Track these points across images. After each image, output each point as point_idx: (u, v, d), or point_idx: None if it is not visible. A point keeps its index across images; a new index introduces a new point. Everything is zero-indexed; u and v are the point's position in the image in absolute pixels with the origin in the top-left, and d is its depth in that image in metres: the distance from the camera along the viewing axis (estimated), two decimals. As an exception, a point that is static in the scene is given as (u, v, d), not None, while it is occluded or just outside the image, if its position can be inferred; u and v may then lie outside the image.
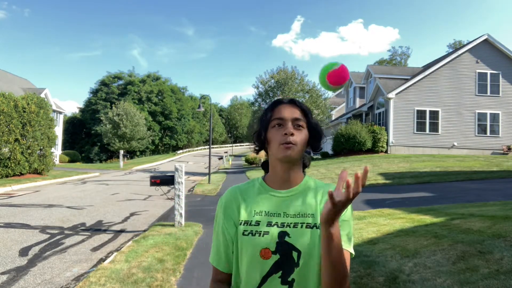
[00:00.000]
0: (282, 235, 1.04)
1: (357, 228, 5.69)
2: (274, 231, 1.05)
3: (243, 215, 1.09)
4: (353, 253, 1.05)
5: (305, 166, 1.18)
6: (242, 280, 1.07)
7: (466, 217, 5.47)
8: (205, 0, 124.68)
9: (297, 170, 1.11)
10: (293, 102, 1.13)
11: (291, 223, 1.05)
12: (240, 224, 1.09)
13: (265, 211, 1.08)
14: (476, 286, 2.90)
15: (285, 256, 1.03)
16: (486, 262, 3.31)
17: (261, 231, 1.05)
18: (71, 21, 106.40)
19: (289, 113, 1.09)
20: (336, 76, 1.06)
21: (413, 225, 5.44)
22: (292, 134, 1.05)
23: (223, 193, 1.21)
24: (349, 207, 1.05)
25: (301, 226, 1.04)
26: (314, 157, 27.84)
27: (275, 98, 1.06)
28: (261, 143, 1.14)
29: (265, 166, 1.18)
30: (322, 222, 0.89)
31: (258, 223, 1.07)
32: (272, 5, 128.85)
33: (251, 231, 1.06)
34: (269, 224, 1.06)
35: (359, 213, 6.92)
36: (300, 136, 1.07)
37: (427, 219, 5.80)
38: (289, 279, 1.02)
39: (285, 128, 1.06)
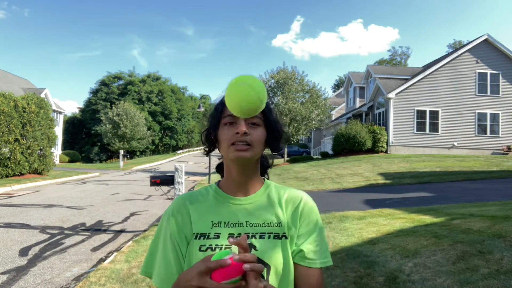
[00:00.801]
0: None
1: (357, 228, 5.69)
2: None
3: (197, 227, 0.94)
4: (330, 263, 0.96)
5: (266, 168, 1.06)
6: None
7: (466, 217, 5.47)
8: (205, 0, 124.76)
9: (255, 174, 0.99)
10: None
11: (256, 233, 0.93)
12: (195, 237, 0.93)
13: (224, 222, 0.94)
14: (476, 286, 2.90)
15: None
16: (486, 262, 3.31)
17: (222, 245, 0.91)
18: (71, 21, 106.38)
19: None
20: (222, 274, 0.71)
21: (413, 225, 5.44)
22: (245, 133, 0.89)
23: None
24: (317, 213, 0.99)
25: (268, 237, 0.92)
26: (314, 157, 27.84)
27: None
28: (211, 143, 0.99)
29: (219, 169, 1.05)
30: None
31: (217, 235, 0.92)
32: (272, 5, 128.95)
33: (210, 245, 0.91)
34: (231, 236, 0.91)
35: (359, 213, 6.92)
36: (255, 135, 0.91)
37: (427, 219, 5.80)
38: None
39: (237, 126, 0.90)
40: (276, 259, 0.91)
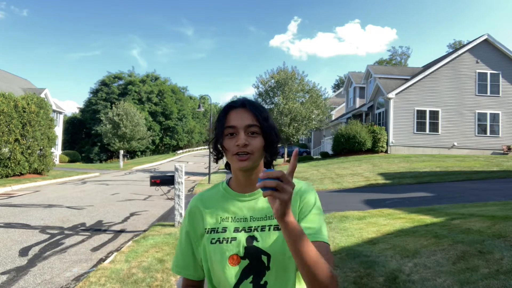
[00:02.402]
0: (250, 240, 1.02)
1: (357, 228, 5.69)
2: (242, 236, 1.03)
3: (209, 223, 1.07)
4: (327, 242, 1.01)
5: (270, 162, 1.14)
6: None
7: (466, 217, 5.47)
8: (205, 0, 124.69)
9: (258, 173, 1.07)
10: (244, 106, 1.04)
11: (258, 226, 1.03)
12: (207, 232, 1.06)
13: (231, 217, 1.06)
14: (476, 286, 2.90)
15: (254, 260, 1.01)
16: (486, 262, 3.31)
17: (228, 238, 1.03)
18: (70, 21, 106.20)
19: (240, 120, 1.02)
20: None
21: (413, 225, 5.44)
22: (245, 145, 0.99)
23: None
24: (313, 196, 1.05)
25: (269, 229, 1.02)
26: (314, 157, 27.84)
27: (229, 102, 1.09)
28: (219, 152, 1.09)
29: (228, 166, 1.13)
30: (276, 217, 0.83)
31: (225, 229, 1.05)
32: (270, 5, 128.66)
33: (218, 238, 1.04)
34: (236, 230, 1.04)
35: (359, 213, 6.92)
36: (255, 144, 1.00)
37: (427, 219, 5.80)
38: (261, 282, 1.00)
39: (237, 137, 1.00)
40: (275, 249, 1.00)
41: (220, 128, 1.04)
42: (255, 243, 1.02)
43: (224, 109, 1.07)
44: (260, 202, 1.06)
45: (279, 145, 1.11)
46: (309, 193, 1.06)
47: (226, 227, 1.05)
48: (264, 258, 1.01)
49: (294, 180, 1.05)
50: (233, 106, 1.06)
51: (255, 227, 1.03)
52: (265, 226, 1.03)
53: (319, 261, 0.85)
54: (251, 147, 1.00)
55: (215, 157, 1.12)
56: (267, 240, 1.01)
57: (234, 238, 1.03)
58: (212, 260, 1.04)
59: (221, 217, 1.07)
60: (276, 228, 1.02)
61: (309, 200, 1.05)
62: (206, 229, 1.07)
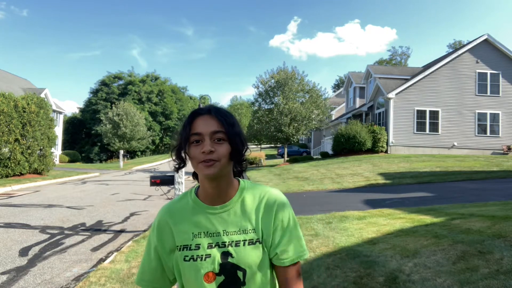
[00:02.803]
0: (225, 256, 1.01)
1: (357, 228, 5.69)
2: (216, 253, 1.01)
3: (180, 240, 1.04)
4: (301, 257, 1.05)
5: (239, 173, 1.12)
6: None
7: (466, 217, 5.47)
8: (205, 0, 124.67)
9: (227, 183, 1.04)
10: (210, 113, 1.02)
11: (232, 241, 1.01)
12: (179, 250, 1.04)
13: (203, 232, 1.03)
14: (476, 286, 2.90)
15: (230, 276, 1.01)
16: (486, 262, 3.31)
17: (202, 255, 1.01)
18: (70, 21, 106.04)
19: (206, 126, 0.99)
20: None
21: (413, 225, 5.44)
22: (211, 151, 0.96)
23: None
24: (287, 213, 1.05)
25: (243, 244, 1.01)
26: (314, 157, 27.85)
27: (195, 109, 1.06)
28: (182, 160, 1.06)
29: (195, 176, 1.10)
30: None
31: (198, 246, 1.02)
32: (269, 5, 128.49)
33: (192, 256, 1.02)
34: (210, 246, 1.02)
35: (359, 213, 6.92)
36: (221, 151, 0.98)
37: (427, 219, 5.80)
38: None
39: (203, 144, 0.98)
40: (251, 264, 1.01)
41: (185, 135, 1.01)
42: (230, 259, 1.01)
43: (190, 116, 1.03)
44: (232, 214, 1.04)
45: (246, 154, 1.07)
46: (284, 210, 1.05)
47: (200, 244, 1.02)
48: (240, 273, 1.01)
49: (265, 188, 1.08)
50: (199, 113, 1.03)
51: (229, 242, 1.02)
52: (239, 241, 1.02)
53: None
54: (217, 153, 0.97)
55: (176, 166, 1.07)
56: (242, 255, 1.00)
57: (209, 255, 1.01)
58: (187, 278, 1.03)
59: (193, 233, 1.03)
60: (251, 242, 1.02)
61: (284, 219, 1.04)
62: (178, 246, 1.04)
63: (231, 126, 1.01)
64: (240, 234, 1.02)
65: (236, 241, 1.02)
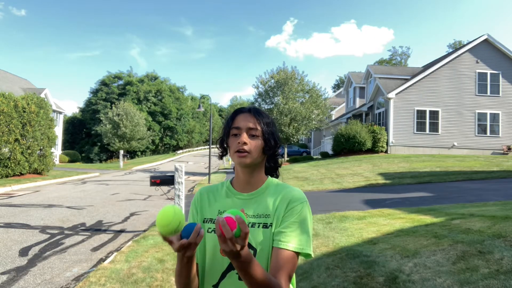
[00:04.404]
0: None
1: (357, 228, 5.69)
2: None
3: (209, 213, 1.21)
4: (295, 251, 1.08)
5: (273, 169, 1.27)
6: (205, 274, 1.17)
7: (466, 217, 5.47)
8: (204, 0, 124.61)
9: (257, 174, 1.21)
10: (250, 111, 1.20)
11: (249, 223, 1.13)
12: (206, 222, 1.20)
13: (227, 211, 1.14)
14: (476, 286, 2.90)
15: None
16: (486, 262, 3.31)
17: None
18: (70, 21, 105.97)
19: (244, 122, 1.17)
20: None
21: (413, 225, 5.44)
22: (245, 143, 1.14)
23: None
24: (300, 207, 1.13)
25: (258, 226, 1.13)
26: (314, 157, 27.84)
27: (239, 107, 1.30)
28: (224, 149, 1.24)
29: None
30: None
31: None
32: (265, 6, 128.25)
33: (215, 229, 1.08)
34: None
35: (359, 213, 6.92)
36: (254, 144, 1.15)
37: (427, 219, 5.80)
38: None
39: (240, 137, 1.15)
40: (261, 244, 1.11)
41: (227, 128, 1.20)
42: None
43: (233, 113, 1.23)
44: (255, 201, 1.18)
45: (278, 151, 1.24)
46: (298, 203, 1.14)
47: None
48: (251, 252, 1.06)
49: (289, 186, 1.22)
50: (241, 110, 1.22)
51: (247, 223, 1.08)
52: (255, 223, 1.14)
53: (266, 283, 0.97)
54: (249, 146, 1.14)
55: (220, 153, 1.27)
56: (255, 236, 1.12)
57: None
58: (207, 248, 1.17)
59: (219, 210, 1.19)
60: (264, 226, 1.13)
61: (295, 210, 1.13)
62: (205, 218, 1.21)
63: (266, 125, 1.19)
64: (257, 218, 1.15)
65: (252, 223, 1.14)
